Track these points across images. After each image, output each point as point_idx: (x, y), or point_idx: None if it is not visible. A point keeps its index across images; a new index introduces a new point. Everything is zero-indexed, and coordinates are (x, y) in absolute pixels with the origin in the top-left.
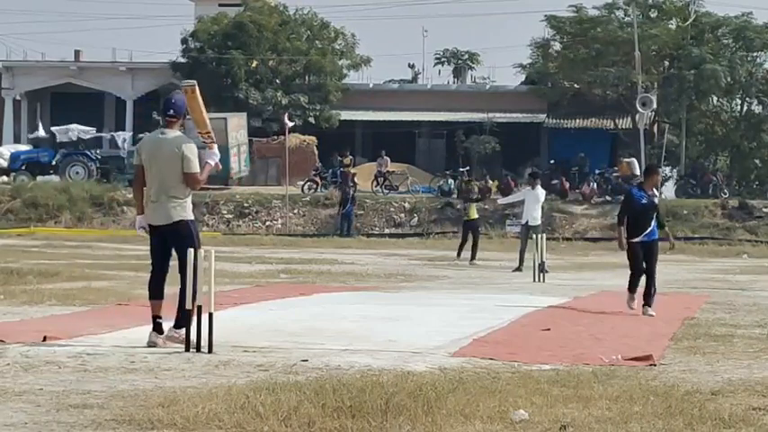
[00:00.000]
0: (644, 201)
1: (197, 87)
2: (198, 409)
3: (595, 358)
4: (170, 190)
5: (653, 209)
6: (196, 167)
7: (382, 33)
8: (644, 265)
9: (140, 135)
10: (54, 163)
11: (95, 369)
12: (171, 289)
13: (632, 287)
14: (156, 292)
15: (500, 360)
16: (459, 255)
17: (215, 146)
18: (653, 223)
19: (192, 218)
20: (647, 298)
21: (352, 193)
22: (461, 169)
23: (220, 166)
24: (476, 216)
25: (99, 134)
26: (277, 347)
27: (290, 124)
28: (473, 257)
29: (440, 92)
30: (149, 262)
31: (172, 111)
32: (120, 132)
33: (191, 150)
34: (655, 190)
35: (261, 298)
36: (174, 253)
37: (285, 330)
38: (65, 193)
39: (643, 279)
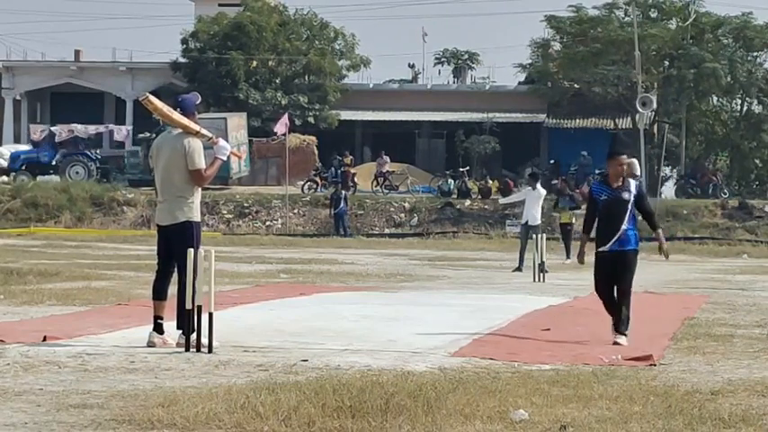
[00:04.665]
0: (603, 197)
1: (149, 96)
2: (198, 409)
3: (595, 358)
4: (176, 189)
5: (619, 206)
6: (200, 164)
7: (382, 33)
8: (613, 282)
9: (140, 135)
10: (54, 163)
11: (95, 369)
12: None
13: (613, 321)
14: (159, 292)
15: (500, 360)
16: (568, 255)
17: (220, 140)
18: (624, 226)
19: (198, 220)
20: (617, 323)
21: (345, 193)
22: (461, 169)
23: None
24: (569, 220)
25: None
26: (277, 347)
27: (280, 131)
28: (567, 256)
29: (440, 92)
30: (149, 262)
31: (179, 110)
32: (121, 126)
33: (193, 146)
34: (630, 182)
35: (261, 298)
36: None
37: (285, 330)
38: (65, 193)
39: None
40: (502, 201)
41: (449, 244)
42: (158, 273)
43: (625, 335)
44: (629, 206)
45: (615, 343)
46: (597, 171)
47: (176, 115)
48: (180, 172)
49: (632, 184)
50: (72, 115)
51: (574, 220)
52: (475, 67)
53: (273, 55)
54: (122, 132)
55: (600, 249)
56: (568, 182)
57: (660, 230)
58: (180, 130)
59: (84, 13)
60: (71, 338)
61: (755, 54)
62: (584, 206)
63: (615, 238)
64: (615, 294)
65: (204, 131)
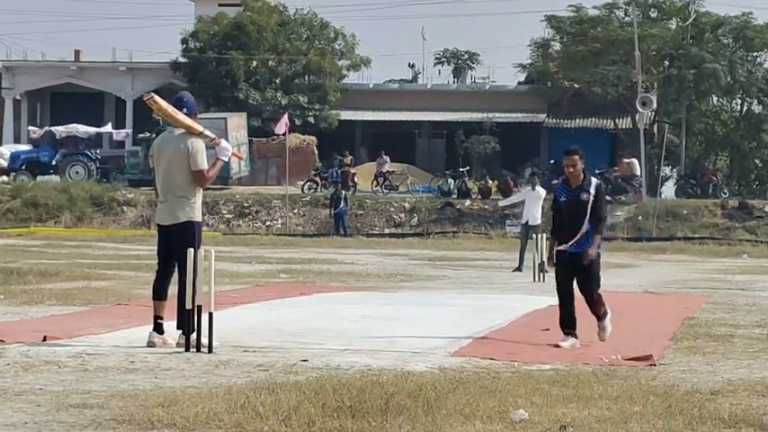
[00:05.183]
0: (563, 198)
1: (155, 96)
2: (198, 409)
3: (595, 358)
4: (178, 189)
5: (578, 207)
6: (203, 164)
7: (382, 33)
8: (575, 284)
9: (140, 135)
10: (54, 163)
11: (95, 369)
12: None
13: (562, 320)
14: (159, 292)
15: (500, 360)
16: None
17: (222, 141)
18: (584, 228)
19: (200, 220)
20: (597, 317)
21: (345, 193)
22: (461, 169)
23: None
24: None
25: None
26: (277, 347)
27: (280, 131)
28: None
29: (440, 92)
30: (149, 262)
31: (185, 110)
32: (120, 130)
33: (197, 147)
34: (592, 181)
35: (261, 298)
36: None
37: (285, 330)
38: (65, 193)
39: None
40: (501, 203)
41: (449, 244)
42: (158, 273)
43: (605, 317)
44: (589, 207)
45: (601, 338)
46: (597, 171)
47: (181, 116)
48: (182, 172)
49: (593, 183)
50: (72, 115)
51: None
52: (475, 67)
53: (273, 55)
54: (121, 134)
55: (559, 248)
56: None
57: (598, 237)
58: (182, 131)
59: (84, 13)
60: (71, 338)
61: (755, 54)
62: None
63: (575, 239)
64: (574, 293)
65: (207, 132)
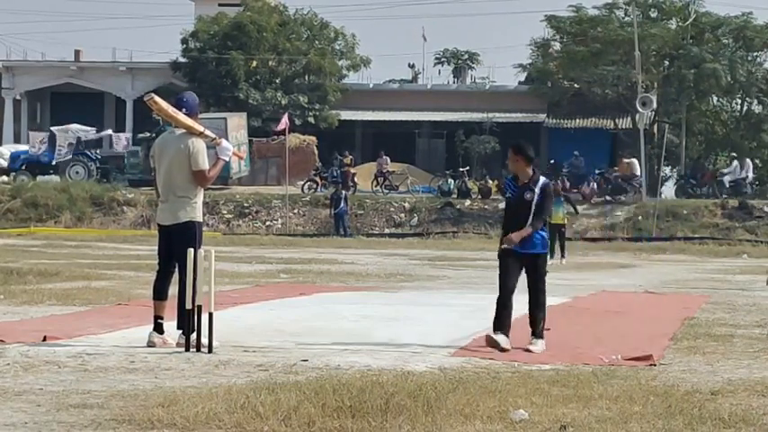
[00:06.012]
0: (508, 194)
1: (155, 96)
2: (198, 409)
3: (595, 358)
4: (179, 189)
5: (522, 206)
6: (204, 164)
7: (382, 33)
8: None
9: (140, 135)
10: (54, 163)
11: (95, 369)
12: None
13: (496, 318)
14: (160, 292)
15: (500, 360)
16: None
17: (223, 141)
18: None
19: (201, 220)
20: (534, 325)
21: (345, 193)
22: (461, 169)
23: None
24: (562, 221)
25: (98, 134)
26: (277, 347)
27: (282, 127)
28: (562, 256)
29: (440, 92)
30: (149, 262)
31: (185, 110)
32: (121, 134)
33: (198, 147)
34: (540, 180)
35: (261, 298)
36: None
37: (285, 330)
38: (65, 193)
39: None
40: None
41: (449, 244)
42: (159, 272)
43: (541, 337)
44: (533, 206)
45: (531, 350)
46: (597, 171)
47: (182, 116)
48: (183, 172)
49: (539, 183)
50: (72, 115)
51: (565, 221)
52: (475, 67)
53: (273, 55)
54: (122, 142)
55: (503, 247)
56: (563, 182)
57: (530, 229)
58: (183, 131)
59: (85, 13)
60: (71, 338)
61: (755, 54)
62: (580, 207)
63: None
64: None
65: (208, 132)
